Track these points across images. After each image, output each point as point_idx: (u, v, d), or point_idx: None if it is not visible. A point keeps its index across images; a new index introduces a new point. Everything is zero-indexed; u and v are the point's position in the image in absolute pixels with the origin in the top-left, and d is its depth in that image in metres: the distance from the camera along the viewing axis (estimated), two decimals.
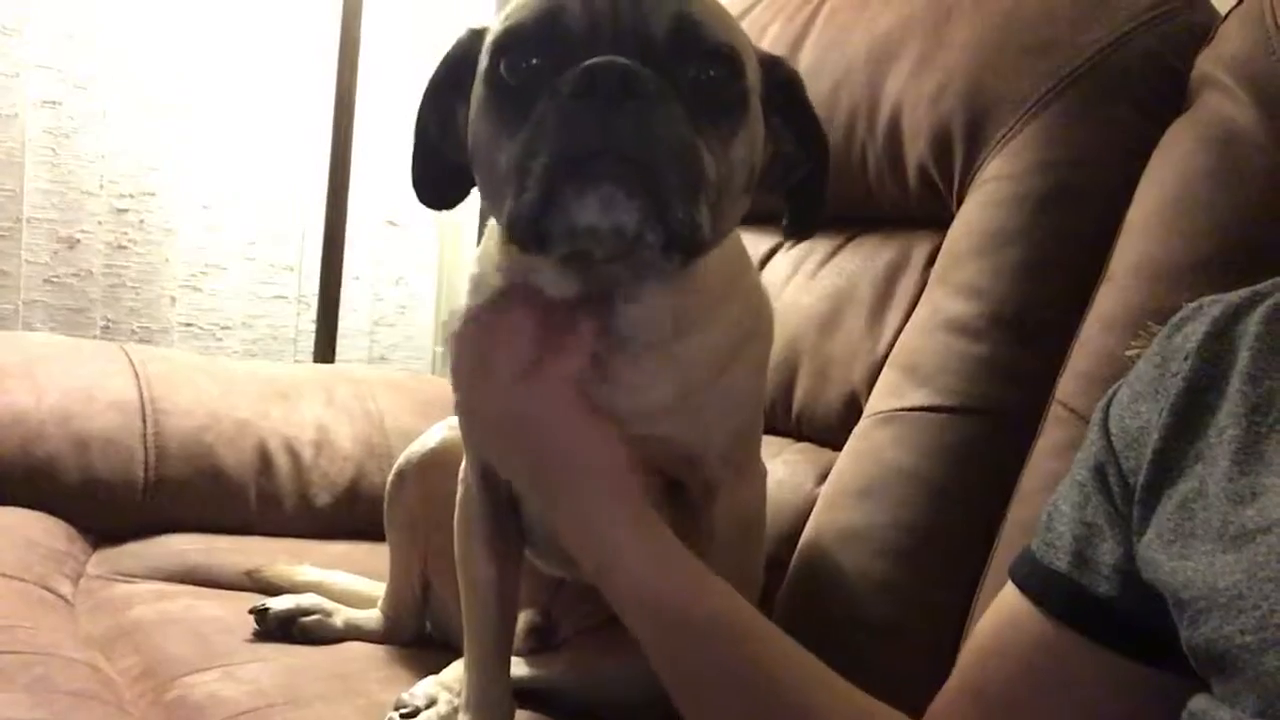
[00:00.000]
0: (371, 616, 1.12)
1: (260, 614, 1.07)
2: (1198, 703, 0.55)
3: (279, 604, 1.08)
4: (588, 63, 0.57)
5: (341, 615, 1.11)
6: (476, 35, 0.69)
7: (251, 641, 1.06)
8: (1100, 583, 0.62)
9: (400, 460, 1.09)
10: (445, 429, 1.06)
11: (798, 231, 0.78)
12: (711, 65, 0.60)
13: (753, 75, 0.66)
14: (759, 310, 0.84)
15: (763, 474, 0.91)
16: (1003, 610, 0.68)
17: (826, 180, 0.72)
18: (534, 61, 0.60)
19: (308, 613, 1.09)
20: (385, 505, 1.11)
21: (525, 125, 0.59)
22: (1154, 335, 0.68)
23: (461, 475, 0.88)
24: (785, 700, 0.65)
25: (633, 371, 0.73)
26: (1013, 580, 0.67)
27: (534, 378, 0.68)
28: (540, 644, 1.02)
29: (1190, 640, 0.56)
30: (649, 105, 0.56)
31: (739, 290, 0.80)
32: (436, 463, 1.03)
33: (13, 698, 0.83)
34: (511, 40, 0.62)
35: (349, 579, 1.19)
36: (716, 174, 0.60)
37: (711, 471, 0.82)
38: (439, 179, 0.73)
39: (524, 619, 1.01)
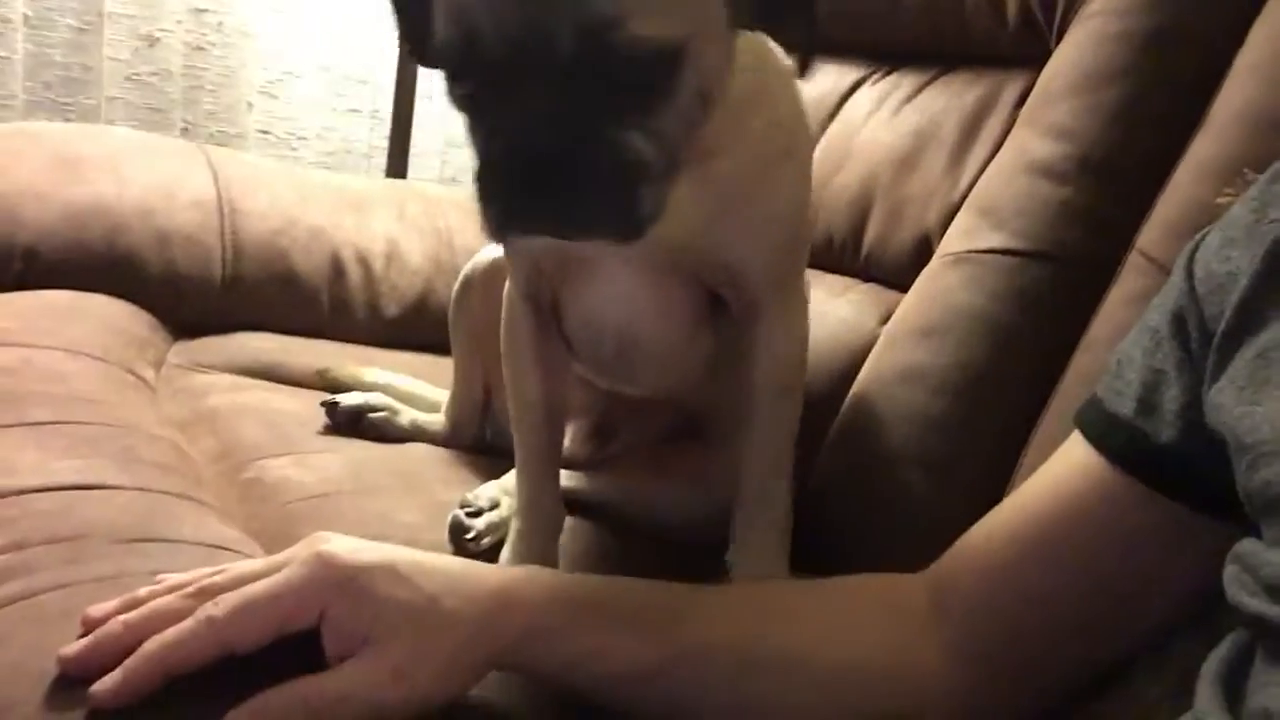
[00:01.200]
0: (435, 420, 1.16)
1: (330, 407, 1.12)
2: (1244, 546, 0.55)
3: (349, 399, 1.12)
4: (497, 124, 0.59)
5: (407, 415, 1.15)
6: None
7: (322, 434, 1.10)
8: (1163, 429, 0.62)
9: (466, 268, 1.10)
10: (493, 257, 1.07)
11: (801, 60, 0.74)
12: (623, 61, 0.57)
13: (686, 12, 0.61)
14: (793, 125, 0.82)
15: (805, 301, 0.91)
16: (1061, 455, 0.68)
17: (811, 16, 0.66)
18: (468, 82, 0.61)
19: (375, 409, 1.13)
20: (450, 312, 1.13)
21: (478, 130, 0.61)
22: (1249, 182, 0.65)
23: (507, 291, 0.90)
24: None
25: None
26: (1077, 424, 0.67)
27: None
28: (598, 450, 1.04)
29: (1248, 484, 0.56)
30: (567, 133, 0.58)
31: (765, 105, 0.77)
32: (501, 271, 1.04)
33: (101, 463, 0.88)
34: (442, 60, 0.61)
35: (414, 383, 1.23)
36: (657, 147, 0.60)
37: (754, 289, 0.81)
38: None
39: (582, 426, 1.04)
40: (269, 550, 0.87)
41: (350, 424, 1.12)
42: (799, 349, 0.88)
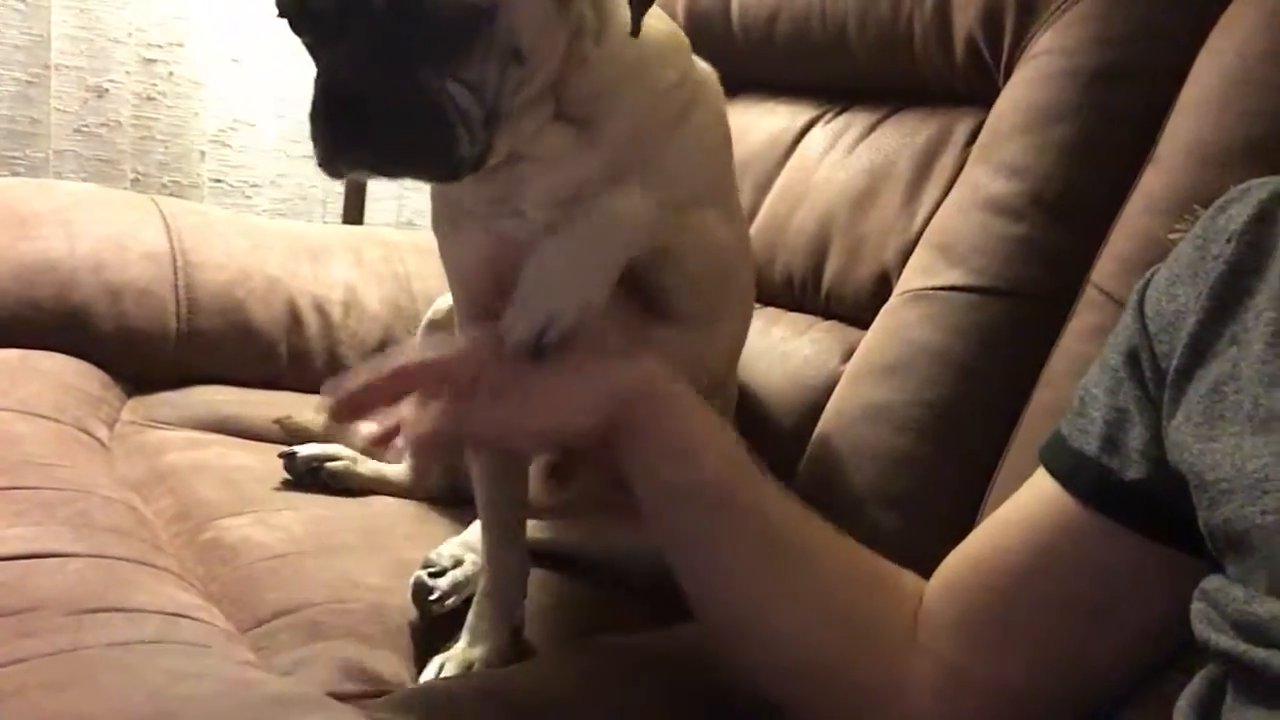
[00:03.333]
0: (397, 469, 1.14)
1: (289, 458, 1.10)
2: (1211, 581, 0.56)
3: (306, 449, 1.11)
4: (324, 66, 0.65)
5: (368, 464, 1.13)
6: None
7: (282, 489, 1.08)
8: (1128, 466, 0.62)
9: (428, 313, 1.10)
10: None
11: (634, 21, 0.75)
12: (432, 17, 0.63)
13: None
14: (688, 74, 0.85)
15: (742, 219, 0.97)
16: (1028, 490, 0.68)
17: None
18: (304, 34, 0.68)
19: (334, 458, 1.11)
20: None
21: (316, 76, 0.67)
22: (1199, 218, 0.66)
23: (455, 331, 0.91)
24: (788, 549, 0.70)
25: (548, 150, 0.76)
26: (1042, 461, 0.67)
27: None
28: (557, 492, 1.03)
29: (1209, 521, 0.56)
30: (381, 76, 0.64)
31: (654, 62, 0.81)
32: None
33: (54, 530, 0.86)
34: (282, 12, 0.67)
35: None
36: (472, 96, 0.65)
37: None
38: None
39: (540, 468, 1.03)
40: (230, 615, 0.85)
41: (309, 475, 1.10)
42: (732, 263, 0.92)
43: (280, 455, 1.11)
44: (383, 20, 0.62)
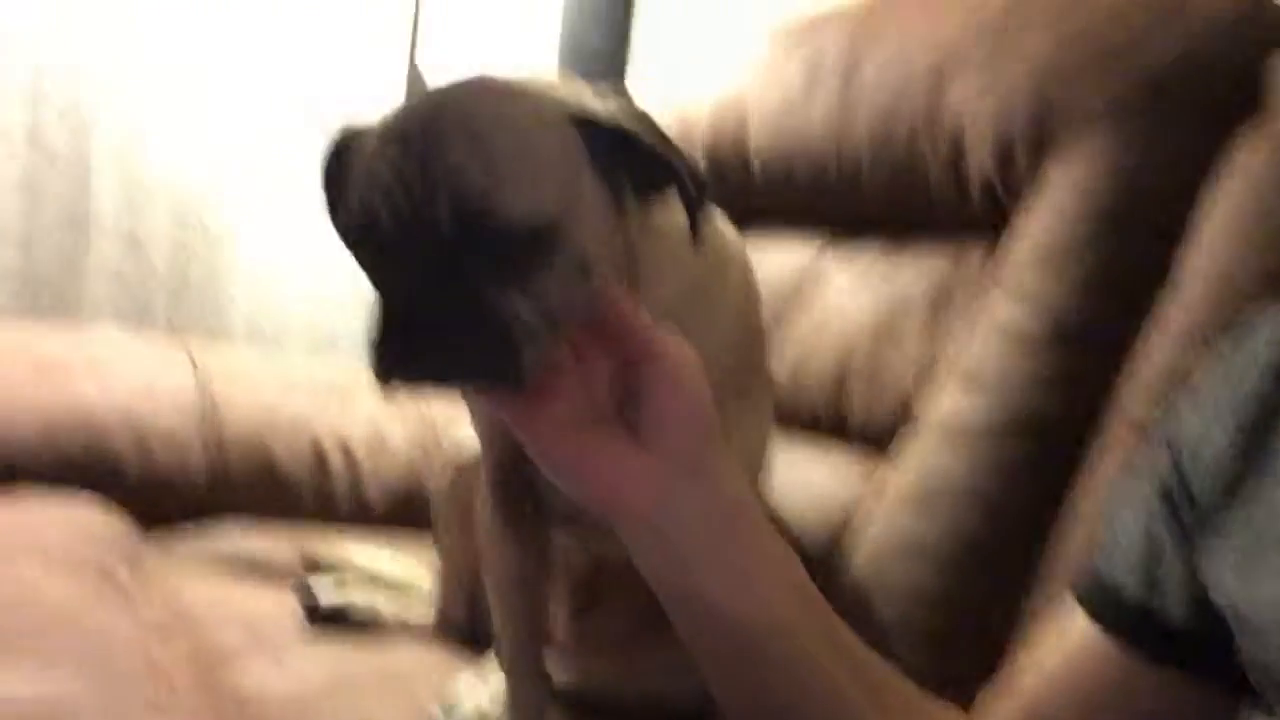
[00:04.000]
0: (421, 614, 1.13)
1: (310, 610, 1.08)
2: None
3: (328, 598, 1.09)
4: (388, 289, 0.64)
5: (390, 609, 1.11)
6: (352, 135, 0.70)
7: (300, 632, 1.07)
8: (1168, 604, 0.60)
9: (454, 459, 1.10)
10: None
11: (691, 228, 0.73)
12: (497, 238, 0.63)
13: (553, 197, 0.64)
14: (719, 263, 0.87)
15: (767, 410, 0.96)
16: (1063, 629, 0.66)
17: (688, 194, 0.70)
18: (367, 254, 0.67)
19: (358, 609, 1.09)
20: (437, 503, 1.11)
21: (377, 292, 0.66)
22: (1220, 348, 0.66)
23: (480, 481, 0.91)
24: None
25: None
26: (1077, 600, 0.65)
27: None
28: (579, 625, 1.01)
29: (1253, 662, 0.54)
30: (448, 294, 0.63)
31: (682, 257, 0.81)
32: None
33: (66, 673, 0.84)
34: (347, 237, 0.68)
35: (401, 563, 1.20)
36: (536, 308, 0.64)
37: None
38: None
39: (563, 600, 1.01)
40: None
41: (332, 622, 1.08)
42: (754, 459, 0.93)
43: (302, 606, 1.09)
44: (449, 242, 0.62)
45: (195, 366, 1.46)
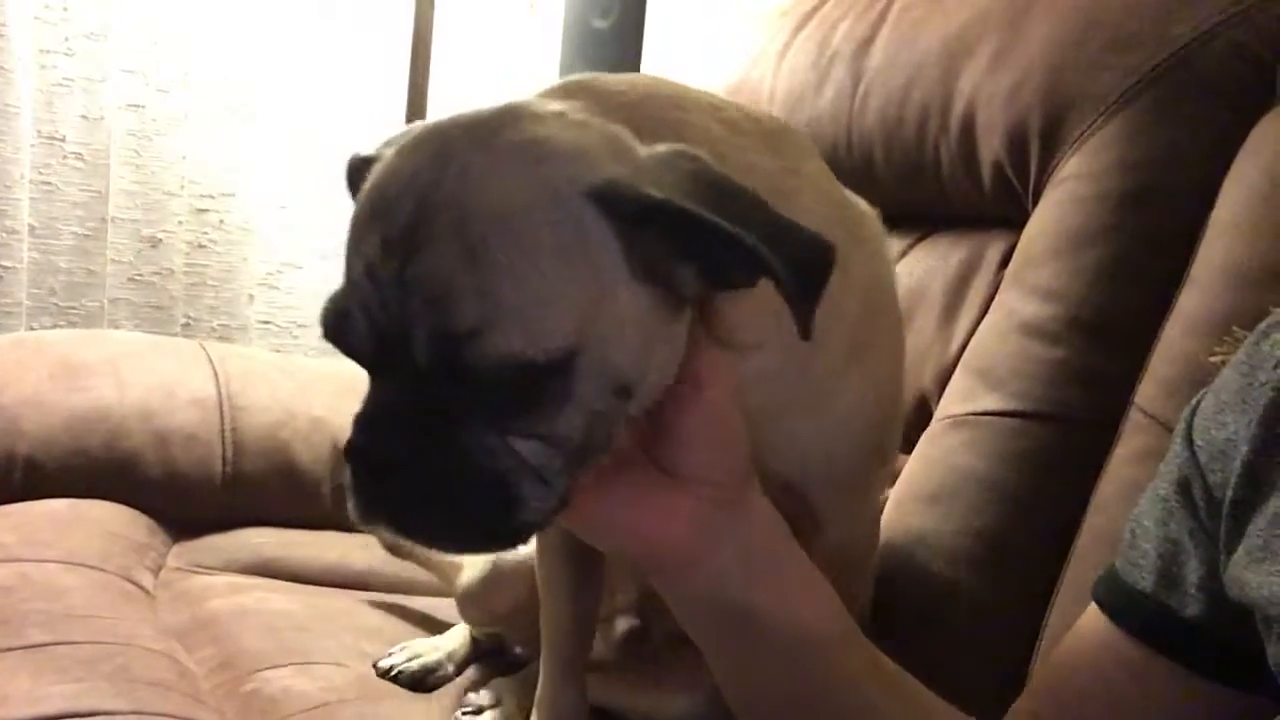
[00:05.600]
0: (465, 644, 1.08)
1: (390, 677, 1.01)
2: None
3: (408, 665, 1.03)
4: (362, 410, 0.53)
5: (453, 660, 1.06)
6: (365, 163, 0.58)
7: (324, 638, 1.07)
8: (1187, 604, 0.60)
9: (458, 591, 1.03)
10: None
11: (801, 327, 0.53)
12: (485, 374, 0.49)
13: (569, 320, 0.50)
14: (865, 317, 0.68)
15: (878, 510, 0.84)
16: (1085, 630, 0.66)
17: (782, 279, 0.50)
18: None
19: (433, 669, 1.04)
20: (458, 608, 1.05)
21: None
22: (1239, 340, 0.65)
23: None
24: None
25: None
26: (1095, 600, 0.65)
27: None
28: (635, 649, 1.00)
29: (1277, 659, 0.54)
30: (422, 438, 0.51)
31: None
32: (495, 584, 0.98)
33: (94, 686, 0.85)
34: (323, 331, 0.56)
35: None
36: (547, 449, 0.52)
37: (817, 499, 0.71)
38: None
39: (619, 625, 1.00)
40: None
41: (410, 687, 1.01)
42: (864, 559, 0.80)
43: (381, 674, 1.01)
44: (426, 375, 0.50)
45: (214, 367, 1.46)
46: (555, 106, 0.55)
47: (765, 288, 0.51)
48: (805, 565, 0.62)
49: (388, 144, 0.57)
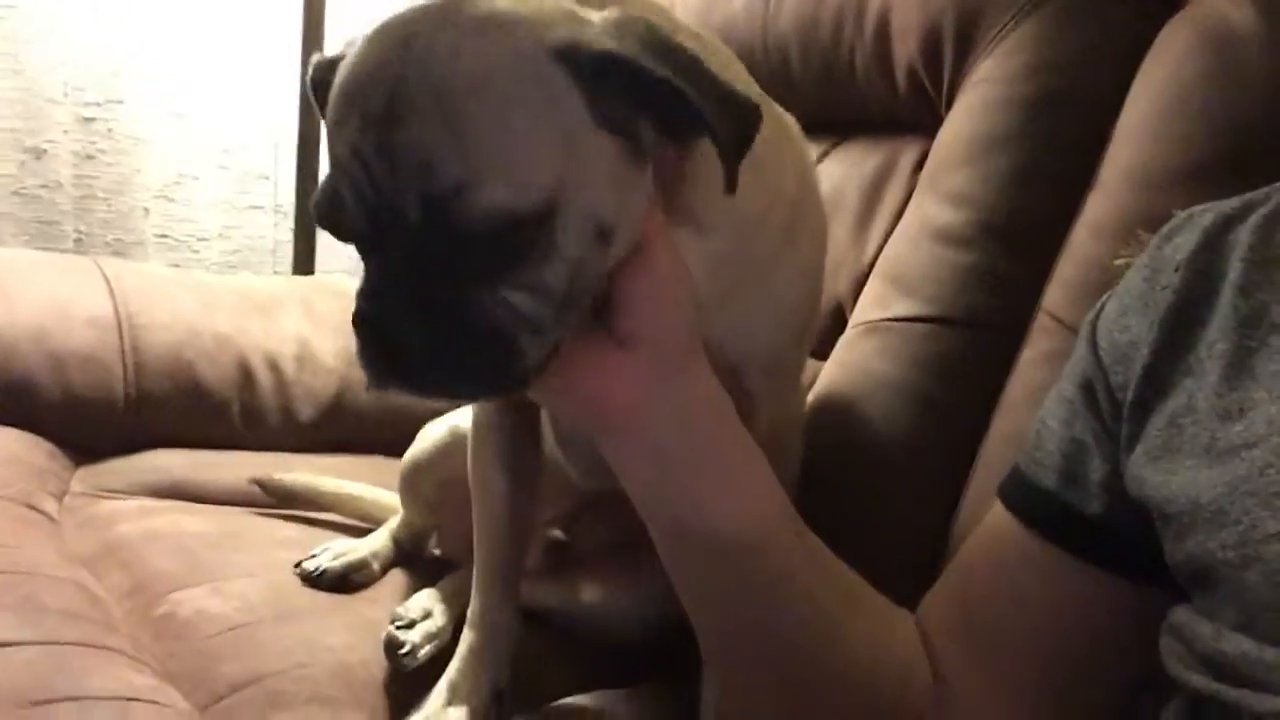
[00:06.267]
0: (388, 545, 1.09)
1: (314, 578, 1.02)
2: (1178, 615, 0.56)
3: (329, 564, 1.03)
4: (363, 281, 0.57)
5: (378, 559, 1.07)
6: (330, 65, 0.60)
7: (236, 555, 1.05)
8: (1089, 501, 0.62)
9: (407, 458, 1.06)
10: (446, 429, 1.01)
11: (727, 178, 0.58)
12: (475, 229, 0.53)
13: (546, 171, 0.54)
14: (798, 197, 0.74)
15: (803, 390, 0.88)
16: (990, 528, 0.68)
17: (715, 134, 0.55)
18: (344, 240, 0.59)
19: (356, 568, 1.04)
20: (400, 480, 1.08)
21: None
22: (1144, 244, 0.66)
23: (474, 414, 0.86)
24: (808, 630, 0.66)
25: None
26: (1001, 499, 0.67)
27: None
28: (558, 560, 1.01)
29: (1173, 555, 0.56)
30: (422, 297, 0.55)
31: (762, 175, 0.67)
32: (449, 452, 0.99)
33: (2, 617, 0.83)
34: (317, 221, 0.59)
35: (371, 491, 1.19)
36: (538, 299, 0.56)
37: (753, 382, 0.75)
38: None
39: (545, 536, 1.00)
40: (187, 694, 0.83)
41: (334, 587, 1.02)
42: (794, 441, 0.85)
43: (300, 575, 1.02)
44: (420, 238, 0.54)
45: (109, 285, 1.40)
46: None
47: (718, 171, 0.57)
48: (749, 455, 0.64)
49: (349, 43, 0.59)
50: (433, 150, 0.52)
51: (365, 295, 0.56)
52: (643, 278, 0.59)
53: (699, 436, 0.62)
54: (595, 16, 0.57)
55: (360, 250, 0.58)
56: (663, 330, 0.60)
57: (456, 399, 0.65)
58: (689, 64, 0.55)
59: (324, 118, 0.59)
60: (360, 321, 0.56)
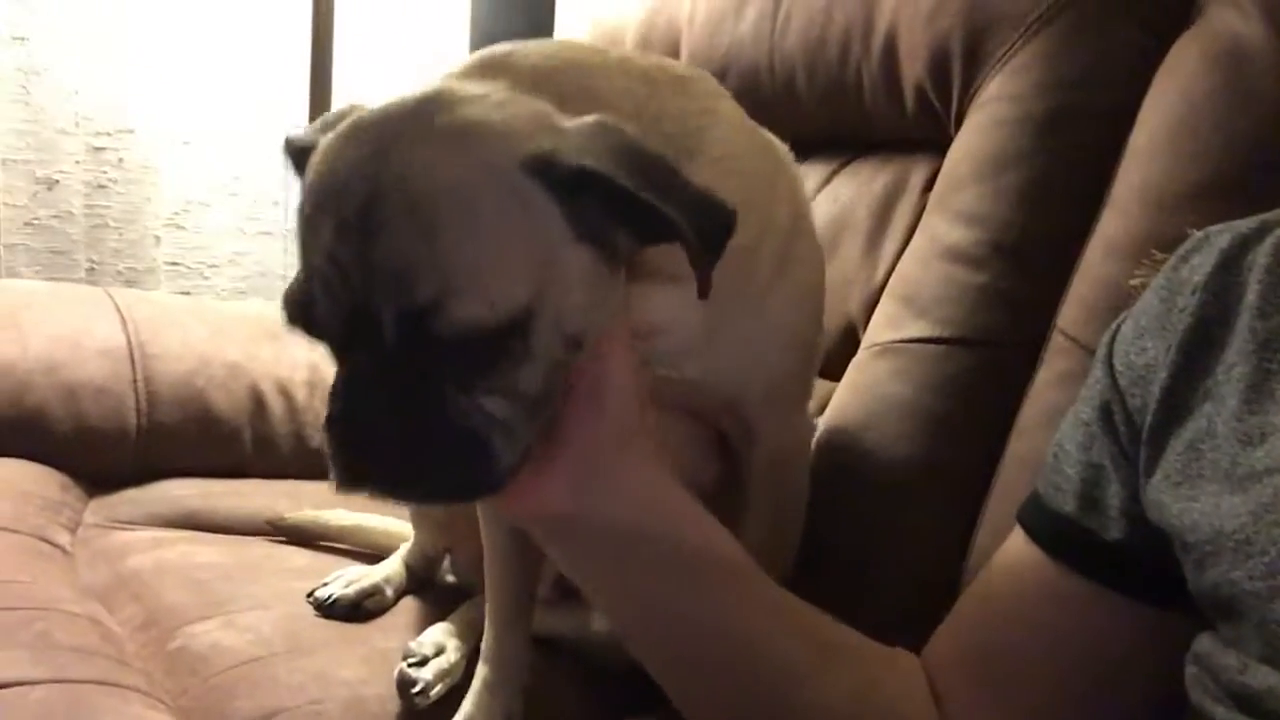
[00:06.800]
0: (400, 571, 1.09)
1: (325, 606, 1.01)
2: (1202, 644, 0.55)
3: (341, 592, 1.02)
4: (336, 383, 0.56)
5: (390, 584, 1.07)
6: (303, 150, 0.61)
7: (250, 586, 1.05)
8: (1109, 526, 0.61)
9: None
10: None
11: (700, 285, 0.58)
12: (451, 342, 0.53)
13: (521, 281, 0.54)
14: (787, 231, 0.75)
15: (810, 425, 0.88)
16: (1009, 553, 0.67)
17: (690, 245, 0.56)
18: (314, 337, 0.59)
19: (369, 594, 1.04)
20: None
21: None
22: (1158, 263, 0.66)
23: None
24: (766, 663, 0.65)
25: (649, 310, 0.66)
26: (1020, 524, 0.66)
27: None
28: (569, 589, 1.00)
29: (1197, 583, 0.55)
30: (397, 406, 0.55)
31: (756, 212, 0.68)
32: None
33: (13, 655, 0.83)
34: (288, 314, 0.59)
35: (381, 520, 1.18)
36: (510, 402, 0.56)
37: (752, 412, 0.76)
38: None
39: (551, 568, 1.00)
40: None
41: (347, 615, 1.02)
42: (799, 467, 0.85)
43: (312, 604, 1.01)
44: (395, 345, 0.53)
45: (121, 314, 1.40)
46: (479, 89, 0.59)
47: None
48: (697, 536, 0.64)
49: (322, 128, 0.60)
50: (409, 264, 0.52)
51: (338, 396, 0.56)
52: (579, 379, 0.59)
53: (642, 529, 0.62)
54: (569, 124, 0.57)
55: (331, 350, 0.58)
56: (585, 433, 0.59)
57: (430, 501, 0.67)
58: (662, 174, 0.56)
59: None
60: (332, 422, 0.55)
